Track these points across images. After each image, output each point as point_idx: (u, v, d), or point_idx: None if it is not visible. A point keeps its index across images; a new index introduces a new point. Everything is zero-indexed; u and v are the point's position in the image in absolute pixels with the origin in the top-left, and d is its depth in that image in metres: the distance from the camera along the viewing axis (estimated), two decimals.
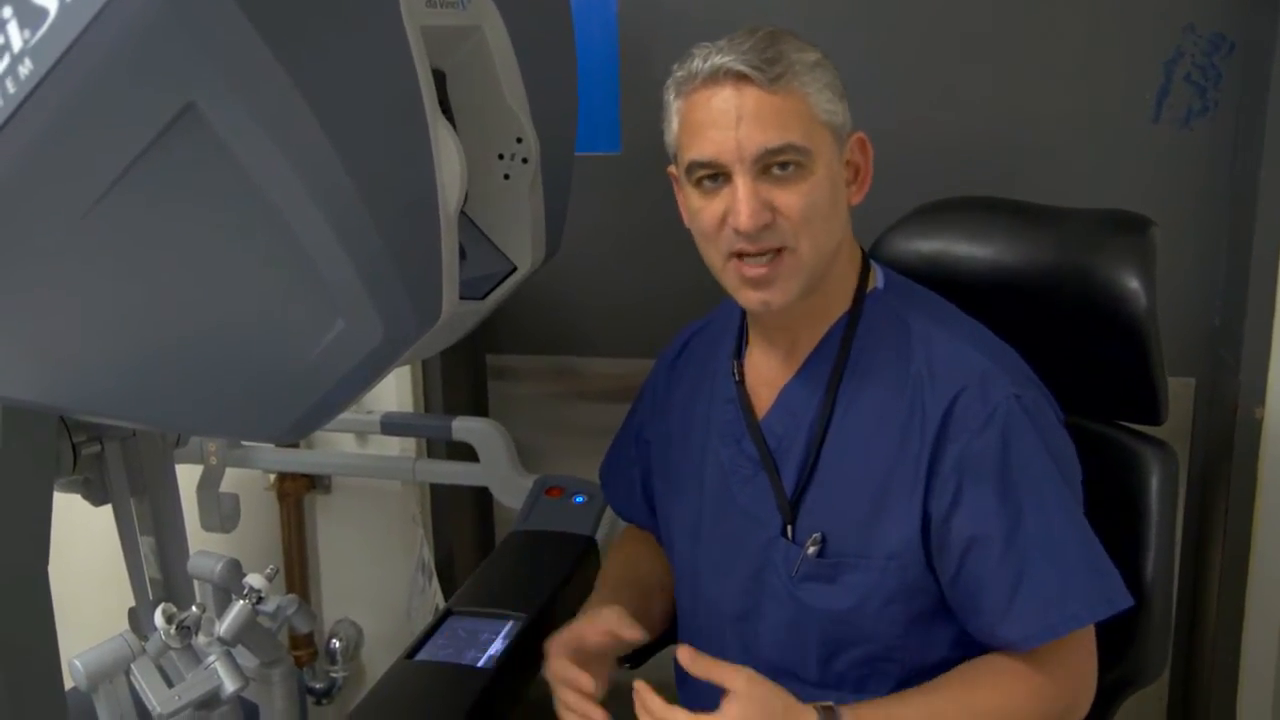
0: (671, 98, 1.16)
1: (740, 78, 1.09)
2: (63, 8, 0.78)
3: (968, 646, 1.16)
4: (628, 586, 1.34)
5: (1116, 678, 1.24)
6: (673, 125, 1.16)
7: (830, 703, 1.07)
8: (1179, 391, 1.67)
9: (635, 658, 1.44)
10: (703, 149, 1.11)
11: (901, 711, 1.10)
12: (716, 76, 1.10)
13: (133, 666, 1.18)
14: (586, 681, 1.15)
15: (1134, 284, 1.24)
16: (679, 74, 1.14)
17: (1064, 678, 1.12)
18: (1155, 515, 1.25)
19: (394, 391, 1.97)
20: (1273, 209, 1.68)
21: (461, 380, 2.10)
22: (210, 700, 1.25)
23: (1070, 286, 1.28)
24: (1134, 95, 1.79)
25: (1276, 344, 1.71)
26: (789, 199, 1.10)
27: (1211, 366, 1.84)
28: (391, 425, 1.89)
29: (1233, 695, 1.82)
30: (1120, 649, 1.23)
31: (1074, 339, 1.29)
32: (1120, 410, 1.33)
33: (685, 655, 1.10)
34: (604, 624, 1.19)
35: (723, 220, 1.11)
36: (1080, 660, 1.13)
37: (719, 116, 1.10)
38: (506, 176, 1.22)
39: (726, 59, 1.09)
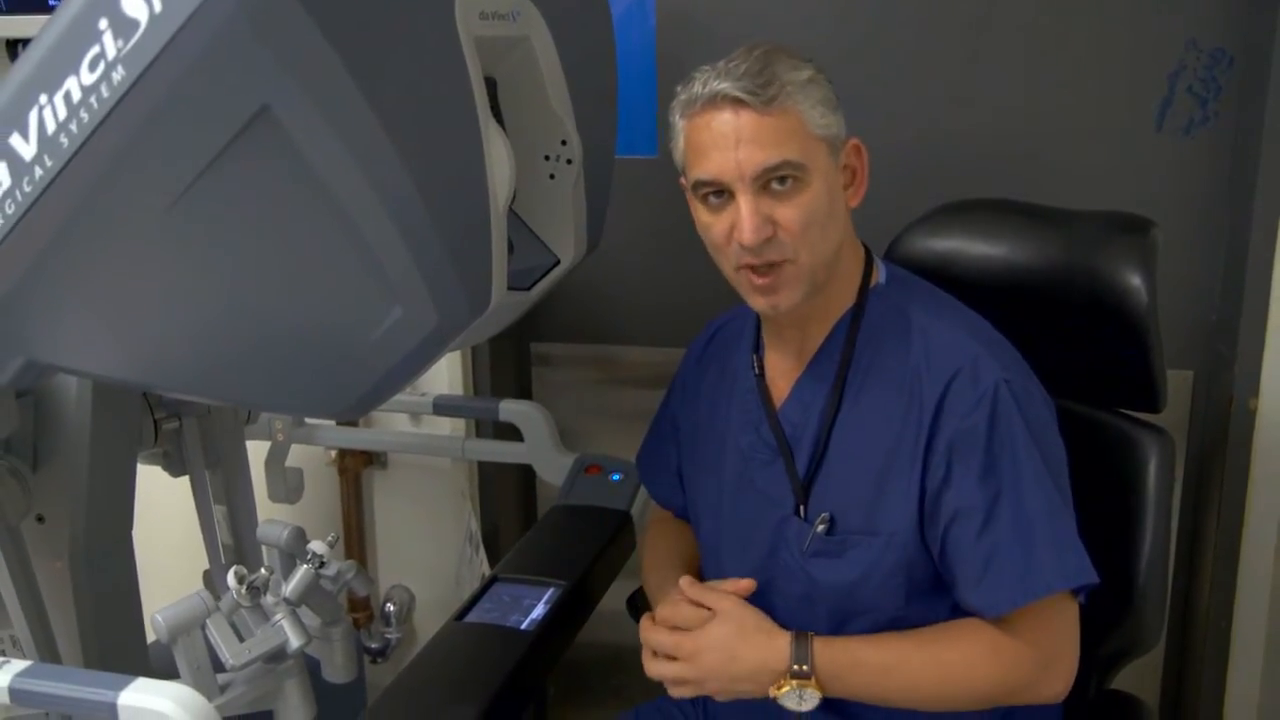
0: (677, 118, 1.15)
1: (737, 102, 1.08)
2: (153, 19, 0.80)
3: (962, 614, 1.15)
4: (680, 568, 1.35)
5: (1115, 647, 1.24)
6: (679, 144, 1.16)
7: (805, 631, 1.13)
8: (1178, 383, 1.66)
9: None
10: (706, 169, 1.11)
11: (867, 651, 1.13)
12: (715, 101, 1.10)
13: (208, 622, 1.21)
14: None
15: (1136, 281, 1.23)
16: (682, 97, 1.14)
17: (1033, 642, 1.10)
18: (1153, 495, 1.24)
19: (445, 375, 1.99)
20: (1268, 212, 1.66)
21: (507, 365, 2.11)
22: (277, 654, 1.28)
23: (1076, 283, 1.27)
24: (1139, 105, 1.77)
25: (1271, 339, 1.69)
26: (788, 213, 1.10)
27: (1209, 360, 1.82)
28: (443, 406, 1.90)
29: (1224, 667, 1.81)
30: (1119, 621, 1.22)
31: (1080, 332, 1.29)
32: (1122, 399, 1.32)
33: (684, 582, 1.22)
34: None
35: (729, 234, 1.12)
36: (1055, 630, 1.11)
37: (719, 139, 1.10)
38: (552, 176, 1.23)
39: (723, 85, 1.09)
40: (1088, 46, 1.77)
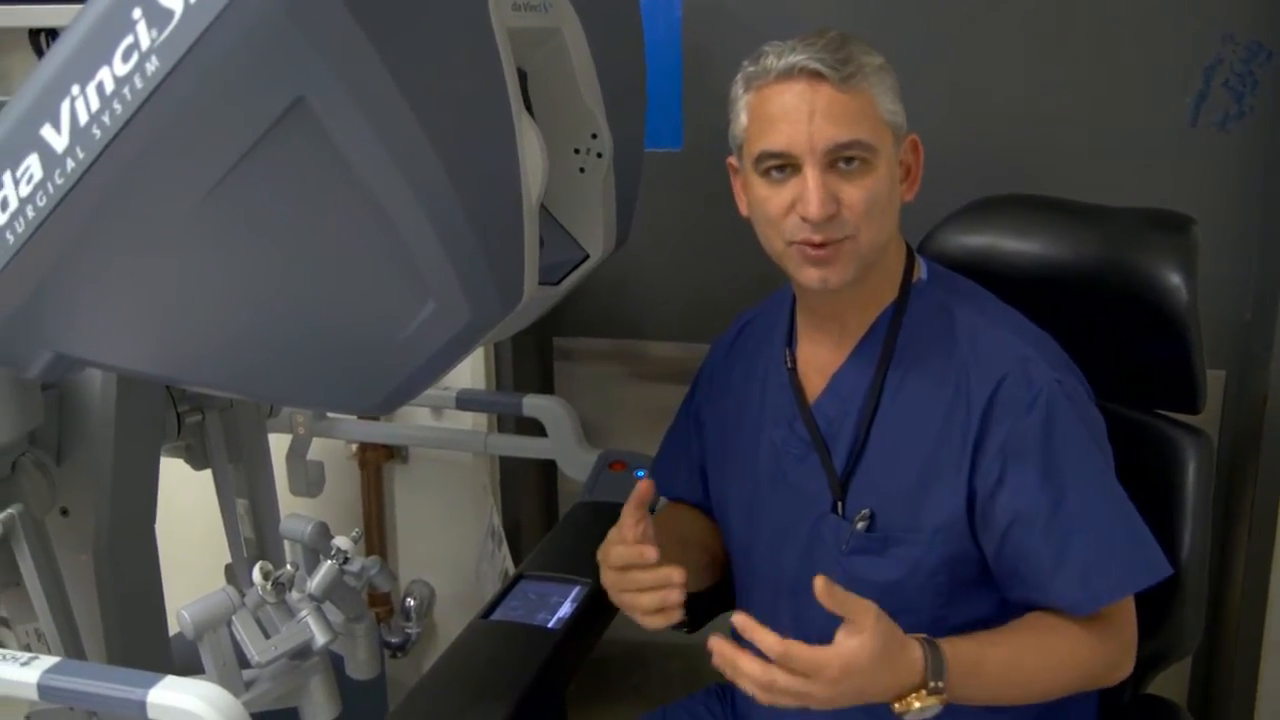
0: (741, 91, 1.14)
1: (815, 75, 1.08)
2: (187, 9, 0.79)
3: (1007, 608, 1.15)
4: (662, 529, 1.31)
5: (1152, 651, 1.22)
6: (741, 118, 1.14)
7: (928, 636, 1.05)
8: (1210, 383, 1.64)
9: (692, 623, 1.43)
10: (775, 140, 1.09)
11: (990, 651, 1.08)
12: (791, 73, 1.09)
13: (234, 618, 1.20)
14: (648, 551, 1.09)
15: (1176, 279, 1.22)
16: (751, 69, 1.13)
17: (1110, 639, 1.11)
18: (1191, 498, 1.23)
19: (468, 370, 1.98)
20: None
21: (530, 360, 2.11)
22: (302, 651, 1.27)
23: (1113, 281, 1.26)
24: (1173, 100, 1.75)
25: None
26: (853, 193, 1.09)
27: (1242, 359, 1.80)
28: (466, 401, 1.89)
29: (1255, 670, 1.79)
30: (1156, 624, 1.21)
31: (1116, 331, 1.27)
32: (1160, 399, 1.30)
33: (821, 584, 1.00)
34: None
35: (789, 208, 1.10)
36: (1124, 626, 1.13)
37: (792, 111, 1.08)
38: (582, 170, 1.22)
39: (801, 57, 1.08)
40: (1121, 40, 1.75)
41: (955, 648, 1.05)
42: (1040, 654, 1.11)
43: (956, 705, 1.10)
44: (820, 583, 1.00)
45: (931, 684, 1.02)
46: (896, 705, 1.02)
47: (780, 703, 1.00)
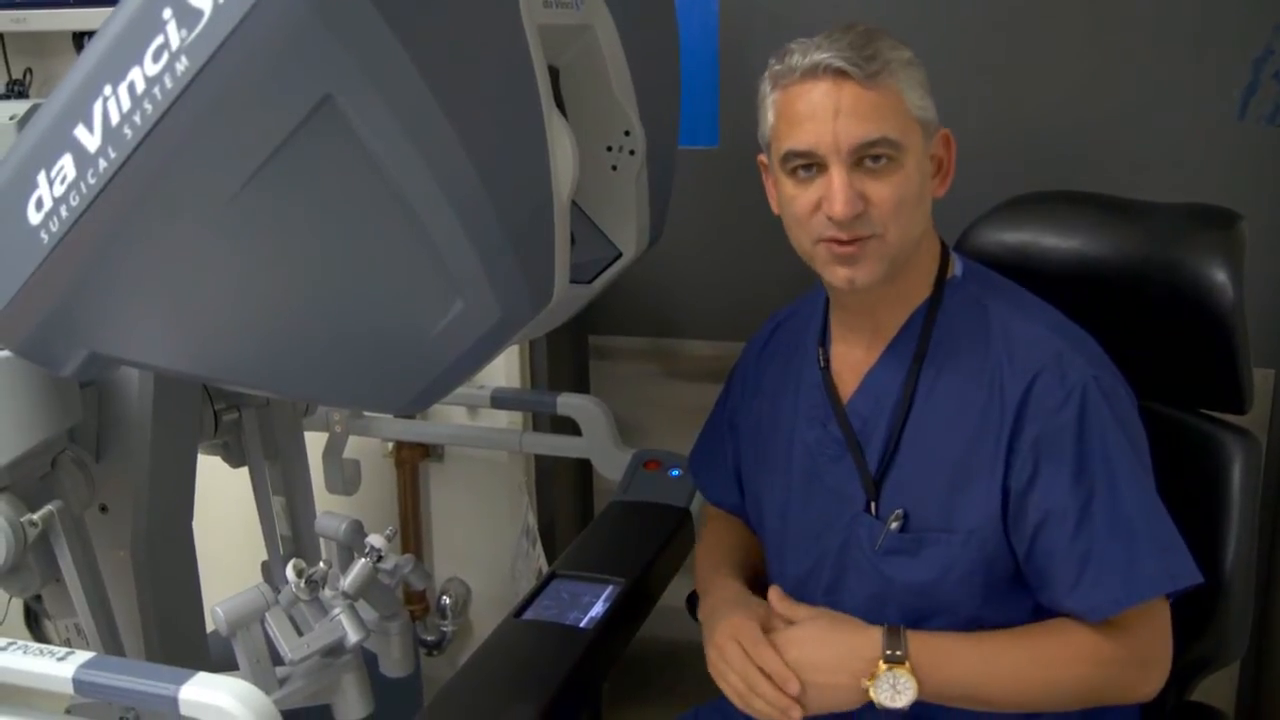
0: (768, 90, 1.13)
1: (839, 73, 1.07)
2: (216, 9, 0.79)
3: (1044, 615, 1.13)
4: (732, 564, 1.33)
5: (1196, 657, 1.20)
6: (768, 116, 1.13)
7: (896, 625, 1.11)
8: (1258, 381, 1.61)
9: None
10: (800, 139, 1.09)
11: (963, 644, 1.10)
12: (815, 71, 1.08)
13: (267, 616, 1.21)
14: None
15: (1222, 277, 1.19)
16: (776, 68, 1.12)
17: (1130, 648, 1.08)
18: (1237, 500, 1.20)
19: (503, 368, 1.98)
20: None
21: (565, 359, 2.11)
22: (335, 648, 1.27)
23: (1157, 278, 1.23)
24: (1221, 93, 1.72)
25: None
26: (881, 190, 1.08)
27: None
28: (501, 400, 1.90)
29: None
30: (1201, 629, 1.19)
31: (1160, 330, 1.25)
32: (1204, 399, 1.28)
33: (774, 595, 1.21)
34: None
35: (816, 207, 1.09)
36: (1150, 634, 1.09)
37: (817, 110, 1.07)
38: (614, 167, 1.21)
39: (825, 55, 1.07)
40: (1167, 31, 1.72)
41: (921, 633, 1.10)
42: (1029, 652, 1.09)
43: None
44: (774, 594, 1.21)
45: (888, 653, 1.08)
46: (864, 681, 1.08)
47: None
